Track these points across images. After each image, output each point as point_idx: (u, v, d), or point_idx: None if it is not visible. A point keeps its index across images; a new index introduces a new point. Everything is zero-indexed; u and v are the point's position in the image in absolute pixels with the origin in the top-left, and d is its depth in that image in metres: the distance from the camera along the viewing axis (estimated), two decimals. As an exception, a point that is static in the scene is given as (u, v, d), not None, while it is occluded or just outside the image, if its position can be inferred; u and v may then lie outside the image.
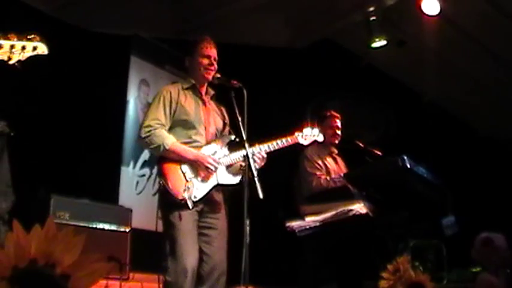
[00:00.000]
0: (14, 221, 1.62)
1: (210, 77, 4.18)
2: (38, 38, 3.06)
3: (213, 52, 4.20)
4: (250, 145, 4.01)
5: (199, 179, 3.97)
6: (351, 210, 4.84)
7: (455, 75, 9.34)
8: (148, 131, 3.97)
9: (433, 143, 9.31)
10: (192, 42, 4.29)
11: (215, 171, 4.00)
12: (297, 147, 5.15)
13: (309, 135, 4.53)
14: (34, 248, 1.61)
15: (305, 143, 4.51)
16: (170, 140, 3.95)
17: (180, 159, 3.96)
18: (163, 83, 7.80)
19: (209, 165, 3.96)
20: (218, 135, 4.21)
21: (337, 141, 5.65)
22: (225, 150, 4.13)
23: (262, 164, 4.09)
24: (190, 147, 4.03)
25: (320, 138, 4.69)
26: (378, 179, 5.12)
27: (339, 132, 5.63)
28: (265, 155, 4.12)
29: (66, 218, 5.66)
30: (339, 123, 5.64)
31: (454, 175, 7.07)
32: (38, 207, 5.57)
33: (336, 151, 5.71)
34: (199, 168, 3.97)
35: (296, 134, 4.44)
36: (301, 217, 5.07)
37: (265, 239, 5.52)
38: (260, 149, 4.10)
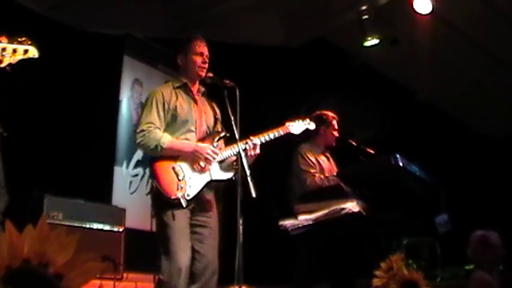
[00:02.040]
0: (6, 221, 1.62)
1: (203, 75, 4.19)
2: (28, 41, 3.05)
3: (205, 50, 4.22)
4: (242, 140, 4.03)
5: (195, 172, 3.97)
6: (344, 208, 4.85)
7: (448, 73, 9.36)
8: (143, 135, 3.98)
9: (426, 141, 9.33)
10: (184, 41, 4.31)
11: (214, 161, 4.01)
12: (290, 145, 5.18)
13: (300, 124, 4.58)
14: (27, 248, 1.61)
15: (297, 132, 4.56)
16: (166, 138, 3.97)
17: (178, 155, 3.97)
18: (156, 82, 7.81)
19: (208, 156, 3.98)
20: (209, 133, 4.22)
21: (334, 143, 5.68)
22: (217, 146, 4.14)
23: (255, 153, 4.11)
24: None
25: (312, 126, 4.74)
26: (371, 177, 5.14)
27: (336, 133, 5.66)
28: (258, 143, 4.14)
29: (60, 218, 5.66)
30: (336, 124, 5.68)
31: (447, 173, 7.09)
32: (32, 208, 5.57)
33: (328, 150, 5.73)
34: (199, 159, 3.98)
35: (287, 124, 4.50)
36: (294, 216, 5.08)
37: (259, 238, 5.52)
38: (252, 142, 4.11)
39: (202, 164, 3.99)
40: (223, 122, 4.27)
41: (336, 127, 5.67)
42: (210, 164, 4.02)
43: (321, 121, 5.46)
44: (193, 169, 3.99)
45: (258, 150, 4.12)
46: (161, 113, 4.07)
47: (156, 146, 3.93)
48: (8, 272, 1.59)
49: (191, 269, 3.87)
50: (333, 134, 5.64)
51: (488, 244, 4.71)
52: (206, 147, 4.02)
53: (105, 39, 7.31)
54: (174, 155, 3.98)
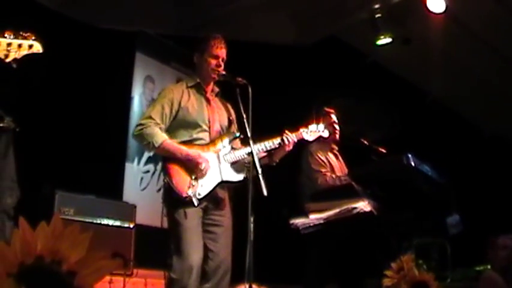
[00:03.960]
0: (20, 217, 1.63)
1: (216, 77, 4.18)
2: (32, 36, 3.05)
3: (222, 53, 4.18)
4: (255, 142, 4.00)
5: (207, 172, 3.95)
6: (355, 208, 4.83)
7: (460, 73, 9.32)
8: (140, 129, 3.99)
9: (438, 141, 9.30)
10: (203, 38, 4.25)
11: (207, 169, 3.94)
12: (300, 143, 5.16)
13: (314, 130, 4.52)
14: (40, 245, 1.61)
15: (310, 138, 4.48)
16: (160, 138, 3.94)
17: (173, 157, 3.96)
18: (169, 79, 7.84)
19: (199, 165, 3.91)
20: (223, 133, 4.20)
21: (337, 137, 5.64)
22: (230, 147, 4.12)
23: (290, 148, 4.17)
24: (194, 146, 4.03)
25: (325, 133, 4.67)
26: (382, 177, 5.11)
27: (337, 127, 5.62)
28: (295, 140, 4.22)
29: (71, 214, 5.67)
30: (335, 118, 5.63)
31: (458, 173, 7.06)
32: (43, 203, 5.59)
33: (336, 147, 5.70)
34: (193, 167, 3.93)
35: (301, 130, 4.41)
36: (305, 214, 5.06)
37: (269, 237, 5.52)
38: (265, 146, 4.10)
39: (196, 172, 3.92)
40: (236, 119, 4.26)
41: (331, 119, 5.61)
42: (204, 172, 3.93)
43: (319, 117, 5.42)
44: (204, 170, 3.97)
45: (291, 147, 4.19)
46: (166, 110, 4.05)
47: (149, 143, 3.94)
48: (21, 268, 1.59)
49: (204, 268, 3.87)
50: (330, 127, 5.59)
51: (497, 246, 4.70)
52: (198, 154, 3.94)
53: (118, 35, 7.32)
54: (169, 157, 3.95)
